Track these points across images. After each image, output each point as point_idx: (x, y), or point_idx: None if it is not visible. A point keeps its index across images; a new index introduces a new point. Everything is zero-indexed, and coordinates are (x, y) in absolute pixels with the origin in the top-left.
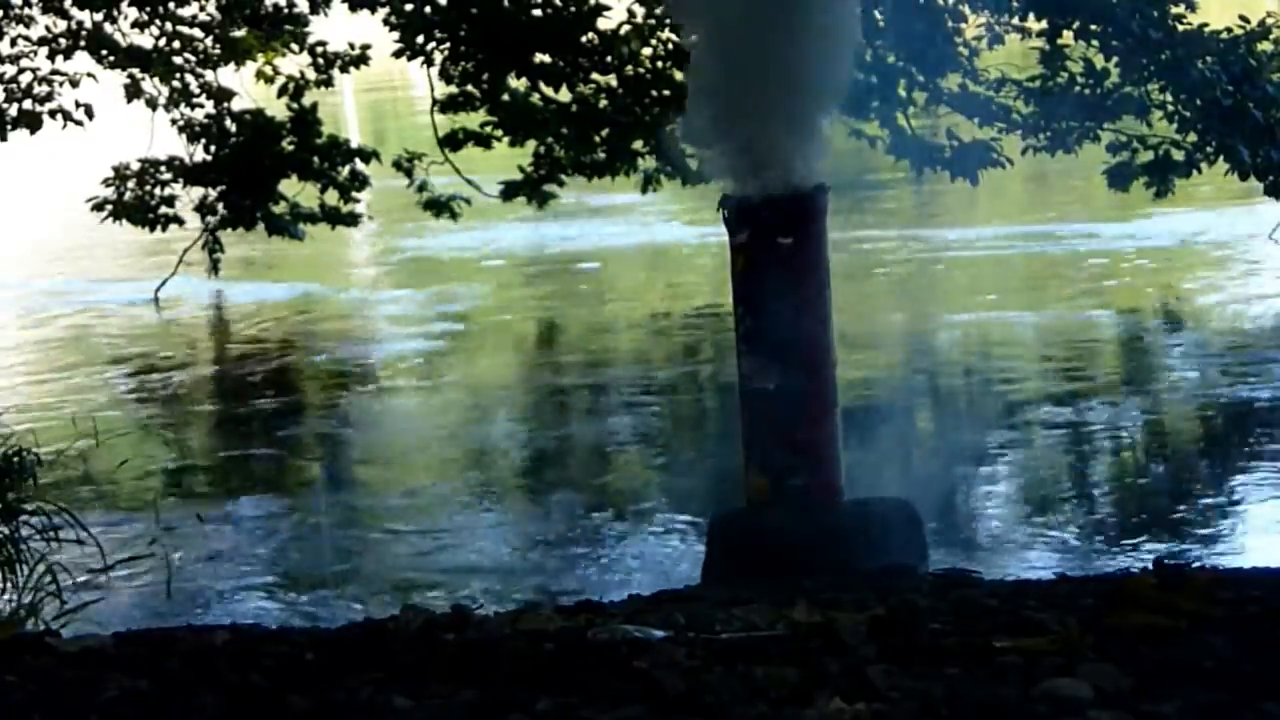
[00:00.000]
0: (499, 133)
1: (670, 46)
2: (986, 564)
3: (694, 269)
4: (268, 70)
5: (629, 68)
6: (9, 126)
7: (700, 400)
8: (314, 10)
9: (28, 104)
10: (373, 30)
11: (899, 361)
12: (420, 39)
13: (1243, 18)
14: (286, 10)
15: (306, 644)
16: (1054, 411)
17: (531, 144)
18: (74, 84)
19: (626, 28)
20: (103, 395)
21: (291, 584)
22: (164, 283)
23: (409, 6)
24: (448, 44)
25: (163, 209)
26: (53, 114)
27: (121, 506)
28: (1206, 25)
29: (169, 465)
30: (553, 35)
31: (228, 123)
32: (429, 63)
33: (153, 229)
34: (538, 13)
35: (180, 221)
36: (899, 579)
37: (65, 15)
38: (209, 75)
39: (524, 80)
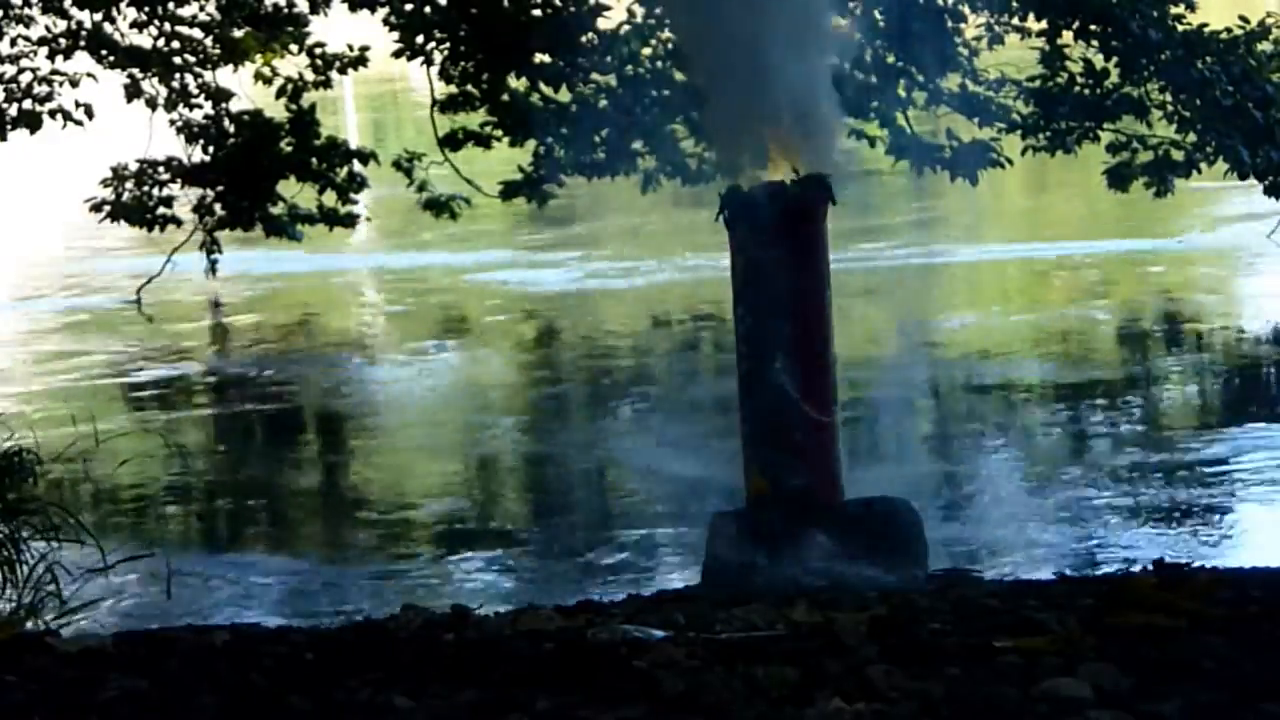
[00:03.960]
0: (499, 133)
1: (670, 46)
2: (986, 564)
3: None
4: (266, 71)
5: (629, 68)
6: (9, 126)
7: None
8: (314, 10)
9: (28, 104)
10: (373, 30)
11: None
12: (420, 39)
13: (1243, 18)
14: (286, 11)
15: (306, 644)
16: (1054, 411)
17: (531, 144)
18: (74, 84)
19: (626, 28)
20: (103, 395)
21: (291, 583)
22: (149, 281)
23: (409, 6)
24: (448, 44)
25: (161, 210)
26: (53, 114)
27: (121, 506)
28: (1206, 25)
29: (168, 465)
30: (553, 35)
31: (226, 123)
32: (429, 63)
33: (150, 229)
34: (538, 13)
35: (178, 222)
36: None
37: (65, 15)
38: (208, 76)
39: (524, 80)
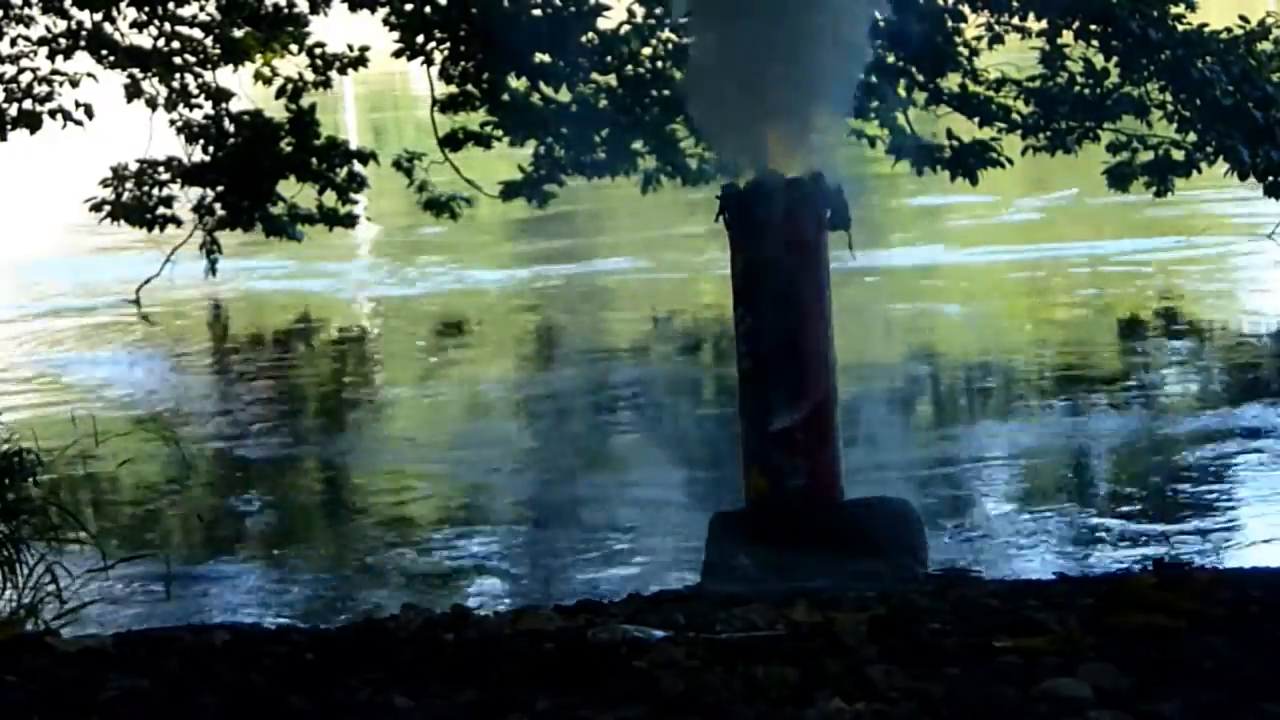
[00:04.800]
0: (499, 133)
1: (670, 46)
2: (986, 564)
3: None
4: (266, 71)
5: (629, 68)
6: (9, 126)
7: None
8: (314, 10)
9: (28, 104)
10: (373, 30)
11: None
12: (420, 39)
13: (1243, 18)
14: (286, 11)
15: (306, 644)
16: (1054, 412)
17: (532, 144)
18: (74, 84)
19: (626, 28)
20: (102, 395)
21: (291, 583)
22: (147, 281)
23: (409, 6)
24: (448, 44)
25: (160, 209)
26: (53, 114)
27: (121, 506)
28: (1206, 25)
29: (168, 465)
30: (553, 35)
31: (226, 123)
32: (429, 63)
33: (150, 229)
34: (538, 13)
35: (178, 222)
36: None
37: (65, 15)
38: (208, 76)
39: (524, 80)
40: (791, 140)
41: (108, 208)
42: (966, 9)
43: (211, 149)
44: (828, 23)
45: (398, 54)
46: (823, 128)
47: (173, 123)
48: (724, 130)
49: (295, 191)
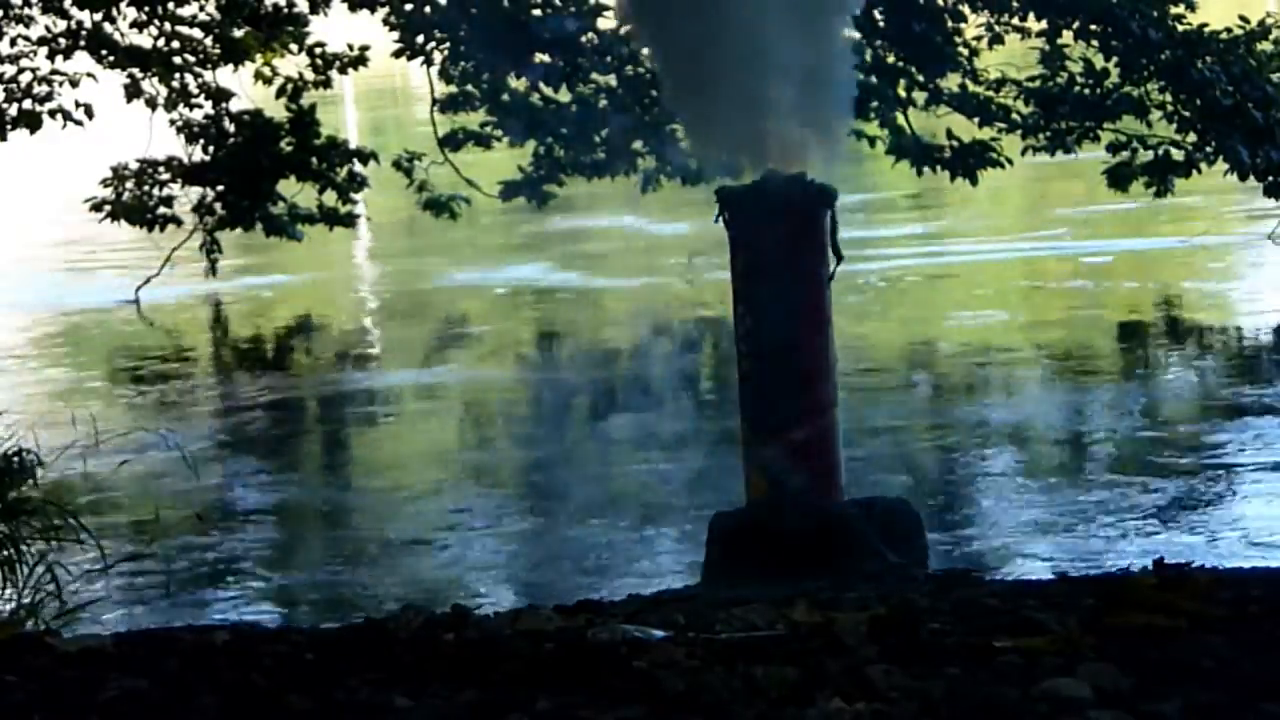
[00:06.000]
0: (499, 133)
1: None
2: (986, 564)
3: None
4: (266, 71)
5: (629, 68)
6: (9, 126)
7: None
8: (314, 10)
9: (28, 104)
10: (373, 30)
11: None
12: (420, 39)
13: (1243, 18)
14: (286, 10)
15: (306, 644)
16: (1053, 410)
17: (531, 144)
18: (74, 84)
19: (626, 28)
20: (102, 394)
21: (291, 583)
22: (147, 281)
23: (409, 6)
24: (448, 44)
25: (161, 209)
26: (53, 114)
27: (121, 506)
28: (1206, 25)
29: (168, 465)
30: (553, 35)
31: (226, 123)
32: (429, 63)
33: (150, 229)
34: (538, 13)
35: (178, 222)
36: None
37: (65, 15)
38: (208, 76)
39: (524, 80)
40: (791, 143)
41: (108, 207)
42: (966, 9)
43: (211, 149)
44: (823, 21)
45: (398, 54)
46: (823, 127)
47: (173, 123)
48: (722, 131)
49: (295, 191)
